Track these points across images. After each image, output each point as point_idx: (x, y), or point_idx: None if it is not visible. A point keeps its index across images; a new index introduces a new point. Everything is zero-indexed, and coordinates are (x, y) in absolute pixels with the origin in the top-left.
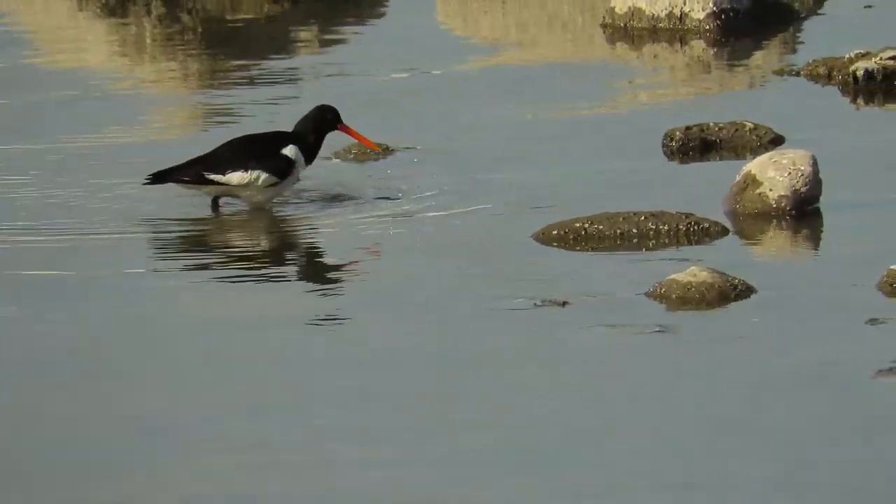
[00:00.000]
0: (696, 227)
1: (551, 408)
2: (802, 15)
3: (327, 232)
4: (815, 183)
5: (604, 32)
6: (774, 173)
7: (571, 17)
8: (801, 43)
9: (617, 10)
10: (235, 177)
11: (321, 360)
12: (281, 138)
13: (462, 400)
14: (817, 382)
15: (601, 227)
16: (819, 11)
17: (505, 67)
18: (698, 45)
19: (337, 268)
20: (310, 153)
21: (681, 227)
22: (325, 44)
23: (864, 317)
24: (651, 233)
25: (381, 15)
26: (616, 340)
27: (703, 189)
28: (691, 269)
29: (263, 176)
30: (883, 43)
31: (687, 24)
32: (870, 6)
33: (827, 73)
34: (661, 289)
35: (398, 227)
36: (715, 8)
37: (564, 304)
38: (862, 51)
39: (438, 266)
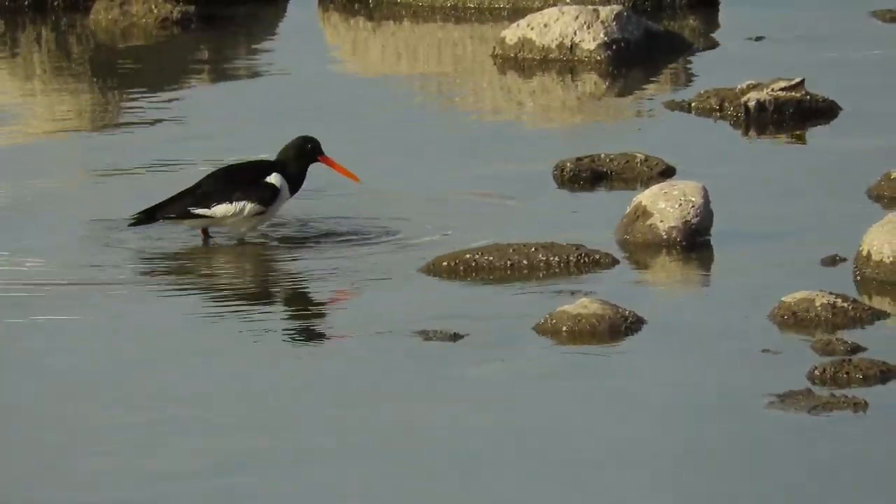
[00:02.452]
0: (586, 259)
1: (440, 441)
2: (694, 46)
3: (224, 264)
4: (705, 214)
5: (494, 63)
6: (665, 204)
7: (462, 47)
8: (693, 74)
9: (507, 40)
10: (221, 209)
11: (208, 390)
12: (264, 167)
13: (349, 433)
14: (710, 413)
15: (491, 258)
16: (710, 43)
17: (393, 97)
18: (589, 77)
19: (224, 298)
20: (294, 182)
21: (571, 258)
22: (215, 73)
23: (757, 348)
24: (542, 264)
25: (272, 42)
26: (507, 373)
27: (593, 220)
28: (582, 300)
29: (249, 206)
30: (774, 74)
31: (577, 55)
32: (761, 38)
33: (718, 105)
34: (551, 320)
35: (280, 258)
36: (606, 39)
37: (455, 335)
38: (753, 82)
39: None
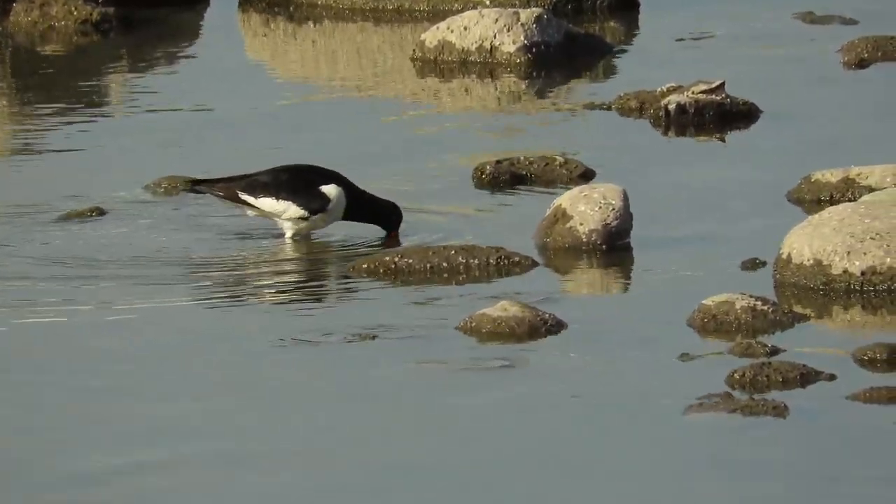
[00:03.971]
0: (506, 261)
1: (357, 442)
2: (614, 48)
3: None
4: (625, 217)
5: (413, 66)
6: (585, 207)
7: (381, 51)
8: (613, 76)
9: (427, 43)
10: (267, 203)
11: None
12: (327, 176)
13: (268, 434)
14: (629, 417)
15: (411, 260)
16: (631, 45)
17: (313, 102)
18: (509, 79)
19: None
20: (351, 210)
21: (491, 260)
22: (134, 77)
23: (676, 352)
24: (461, 266)
25: (192, 48)
26: (425, 375)
27: (513, 223)
28: (502, 303)
29: (293, 208)
30: (694, 77)
31: (498, 57)
32: (681, 39)
33: (638, 107)
34: (471, 323)
35: (209, 262)
36: (526, 41)
37: (374, 338)
38: (674, 84)
39: (248, 296)
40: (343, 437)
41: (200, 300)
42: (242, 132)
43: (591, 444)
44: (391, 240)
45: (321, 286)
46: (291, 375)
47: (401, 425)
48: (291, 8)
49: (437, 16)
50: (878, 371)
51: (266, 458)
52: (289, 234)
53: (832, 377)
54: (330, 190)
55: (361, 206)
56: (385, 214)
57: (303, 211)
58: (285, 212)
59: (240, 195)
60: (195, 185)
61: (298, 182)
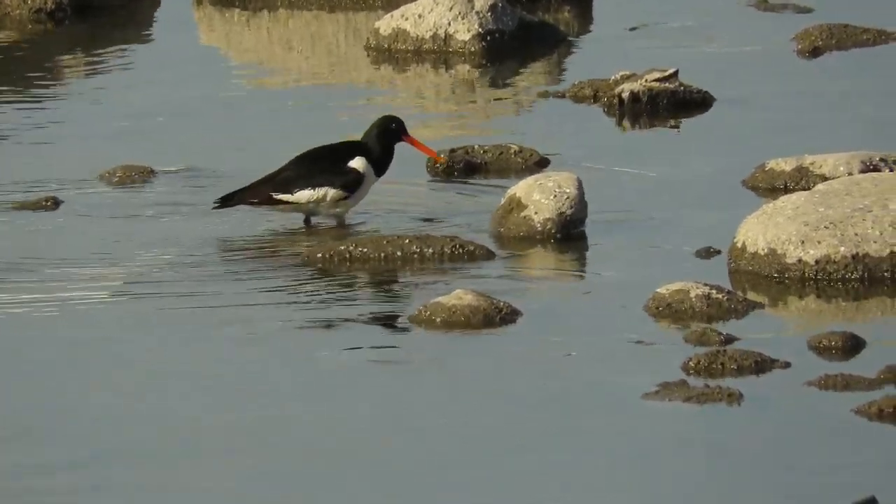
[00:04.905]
0: (461, 250)
1: (305, 431)
2: (568, 37)
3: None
4: (580, 205)
5: (368, 55)
6: (539, 196)
7: (335, 39)
8: (567, 65)
9: (381, 31)
10: (304, 195)
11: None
12: (349, 151)
13: (216, 424)
14: (585, 404)
15: (366, 249)
16: (584, 33)
17: (267, 90)
18: (463, 68)
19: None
20: (379, 165)
21: (446, 249)
22: (89, 65)
23: (631, 340)
24: (416, 256)
25: (147, 37)
26: (380, 363)
27: (468, 212)
28: (456, 292)
29: (332, 192)
30: (648, 65)
31: (452, 45)
32: (635, 28)
33: (592, 95)
34: (426, 312)
35: (169, 249)
36: (480, 29)
37: (328, 327)
38: (627, 73)
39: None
40: (295, 427)
41: (148, 292)
42: (197, 121)
43: (548, 431)
44: (414, 145)
45: (274, 274)
46: (244, 365)
47: (356, 414)
48: None
49: (391, 4)
50: (832, 359)
51: (215, 450)
52: (330, 219)
53: (787, 365)
54: (358, 163)
55: (379, 157)
56: (388, 138)
57: (342, 192)
58: (325, 197)
59: (274, 196)
60: (224, 202)
61: (325, 165)
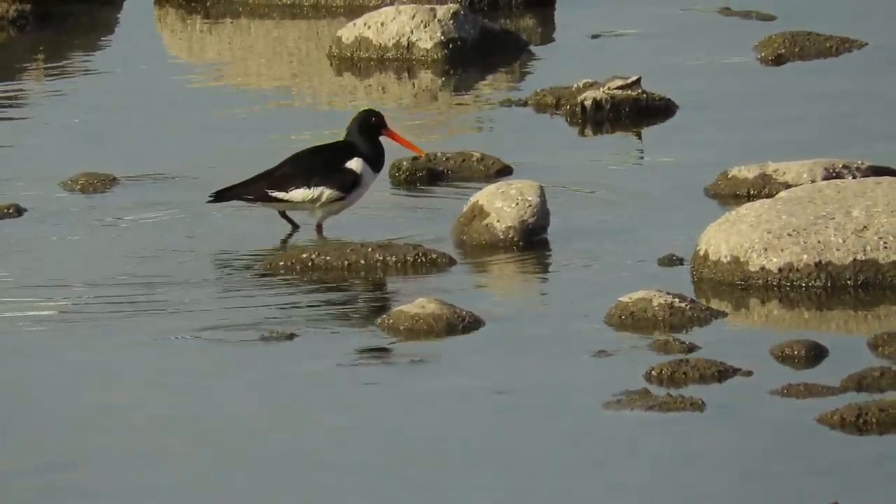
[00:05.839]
0: (423, 259)
1: (272, 441)
2: (530, 45)
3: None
4: (542, 213)
5: (331, 63)
6: (502, 204)
7: (297, 47)
8: (529, 73)
9: (343, 39)
10: (298, 194)
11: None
12: (346, 151)
13: (181, 433)
14: (547, 413)
15: (329, 257)
16: (547, 42)
17: (231, 96)
18: (426, 76)
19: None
20: (373, 163)
21: (409, 258)
22: (51, 72)
23: (593, 349)
24: (379, 264)
25: (108, 43)
26: (343, 372)
27: (430, 220)
28: (419, 300)
29: (327, 192)
30: (610, 73)
31: (415, 53)
32: (597, 36)
33: (555, 103)
34: (389, 320)
35: (130, 257)
36: (442, 38)
37: (291, 336)
38: (589, 80)
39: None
40: (259, 435)
41: (113, 299)
42: (160, 128)
43: (510, 439)
44: (394, 139)
45: (238, 283)
46: (208, 373)
47: (318, 422)
48: (208, 3)
49: (353, 12)
50: (795, 367)
51: (180, 456)
52: (321, 219)
53: (749, 373)
54: (355, 164)
55: (371, 155)
56: (370, 132)
57: (338, 193)
58: (320, 197)
59: (270, 193)
60: (218, 197)
61: (322, 165)
